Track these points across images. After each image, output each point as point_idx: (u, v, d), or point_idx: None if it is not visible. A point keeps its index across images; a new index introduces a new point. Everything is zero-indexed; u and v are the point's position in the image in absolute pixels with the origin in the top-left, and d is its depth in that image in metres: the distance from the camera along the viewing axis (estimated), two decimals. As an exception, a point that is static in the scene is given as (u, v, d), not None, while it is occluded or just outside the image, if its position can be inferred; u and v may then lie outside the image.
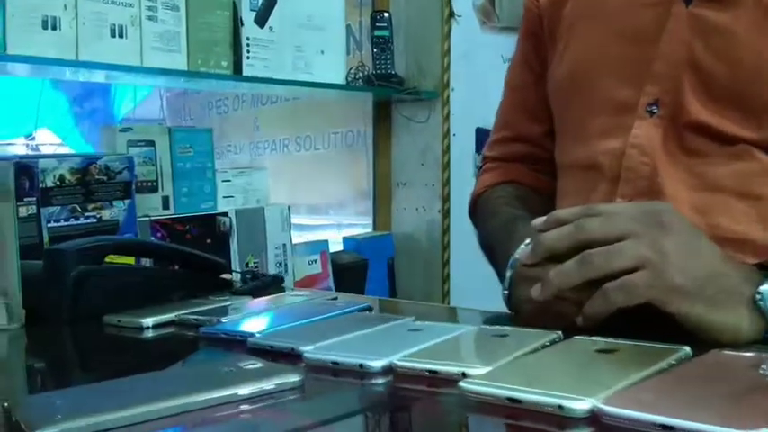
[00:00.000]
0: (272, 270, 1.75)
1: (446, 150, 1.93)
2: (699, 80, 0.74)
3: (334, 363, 0.55)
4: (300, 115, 2.47)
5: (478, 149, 1.96)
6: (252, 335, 0.65)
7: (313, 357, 0.57)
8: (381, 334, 0.64)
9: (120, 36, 1.47)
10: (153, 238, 1.51)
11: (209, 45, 1.60)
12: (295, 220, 1.89)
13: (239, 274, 1.02)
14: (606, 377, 0.47)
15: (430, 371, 0.52)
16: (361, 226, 2.20)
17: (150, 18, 1.51)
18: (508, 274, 0.69)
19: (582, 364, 0.52)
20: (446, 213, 1.95)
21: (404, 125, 2.03)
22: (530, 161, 0.97)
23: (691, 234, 0.60)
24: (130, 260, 1.02)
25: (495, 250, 0.81)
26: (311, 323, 0.69)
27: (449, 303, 1.93)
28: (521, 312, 0.68)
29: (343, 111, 2.30)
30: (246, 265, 1.69)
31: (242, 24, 1.62)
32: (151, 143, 1.54)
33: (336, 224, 2.28)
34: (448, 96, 1.92)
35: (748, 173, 0.71)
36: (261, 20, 1.65)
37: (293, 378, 0.51)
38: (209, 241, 1.62)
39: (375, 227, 2.14)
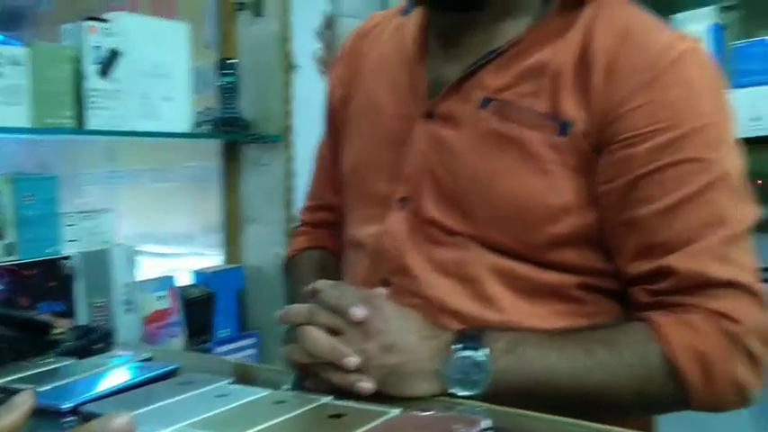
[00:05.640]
0: (119, 309, 1.82)
1: (289, 190, 2.07)
2: (433, 184, 0.92)
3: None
4: (156, 149, 2.53)
5: (320, 189, 2.10)
6: (59, 407, 0.75)
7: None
8: (188, 401, 0.72)
9: (-40, 91, 1.52)
10: (-4, 286, 1.56)
11: (52, 98, 1.66)
12: (147, 248, 1.97)
13: (71, 331, 1.09)
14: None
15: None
16: (214, 259, 2.30)
17: (-9, 73, 1.56)
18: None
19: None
20: (290, 249, 2.08)
21: (251, 166, 2.15)
22: (334, 228, 1.13)
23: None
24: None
25: None
26: (121, 390, 0.77)
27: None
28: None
29: (194, 146, 2.37)
30: (93, 305, 1.76)
31: (84, 77, 1.69)
32: (-6, 193, 1.59)
33: (189, 255, 2.36)
34: (291, 140, 2.07)
35: (467, 260, 0.89)
36: (104, 71, 1.73)
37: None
38: (53, 284, 1.68)
39: (227, 260, 2.25)
